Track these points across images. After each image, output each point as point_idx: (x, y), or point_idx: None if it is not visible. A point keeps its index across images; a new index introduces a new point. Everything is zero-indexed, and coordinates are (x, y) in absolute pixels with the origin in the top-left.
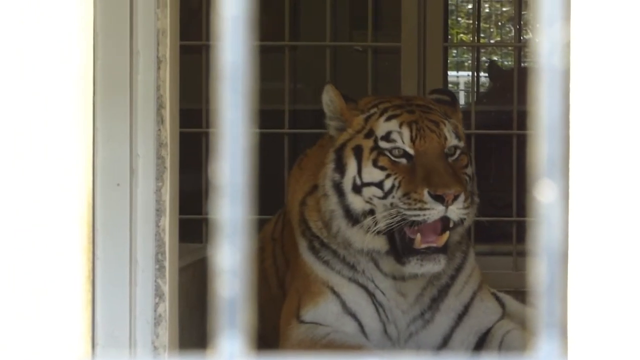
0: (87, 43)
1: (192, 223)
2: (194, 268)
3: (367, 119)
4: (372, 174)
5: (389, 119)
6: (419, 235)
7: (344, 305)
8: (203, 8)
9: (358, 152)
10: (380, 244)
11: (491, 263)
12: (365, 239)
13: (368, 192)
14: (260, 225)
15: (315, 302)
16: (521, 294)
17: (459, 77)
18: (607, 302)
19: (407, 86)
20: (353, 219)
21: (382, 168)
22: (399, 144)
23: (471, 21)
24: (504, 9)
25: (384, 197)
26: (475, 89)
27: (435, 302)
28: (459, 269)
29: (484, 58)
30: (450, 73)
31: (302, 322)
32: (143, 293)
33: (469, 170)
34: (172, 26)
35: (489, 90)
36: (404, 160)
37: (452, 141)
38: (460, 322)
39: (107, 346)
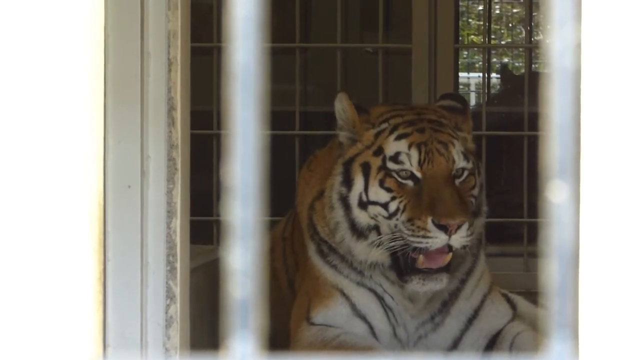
0: (98, 45)
1: (203, 225)
2: (205, 269)
3: (377, 135)
4: (378, 194)
5: (398, 138)
6: (421, 256)
7: (353, 307)
8: (214, 10)
9: (366, 170)
10: (383, 258)
11: (502, 264)
12: (369, 254)
13: (373, 210)
14: (271, 227)
15: (325, 305)
16: (532, 294)
17: (470, 78)
18: (618, 303)
19: (418, 87)
20: (358, 232)
21: (388, 190)
22: (407, 166)
23: (482, 22)
24: (515, 10)
25: (389, 217)
26: (486, 90)
27: (446, 305)
28: (469, 273)
29: (494, 59)
30: (461, 74)
31: (313, 324)
32: (154, 294)
33: (476, 191)
34: (183, 28)
35: (501, 93)
36: (410, 183)
37: (460, 163)
38: (471, 325)
39: (118, 348)
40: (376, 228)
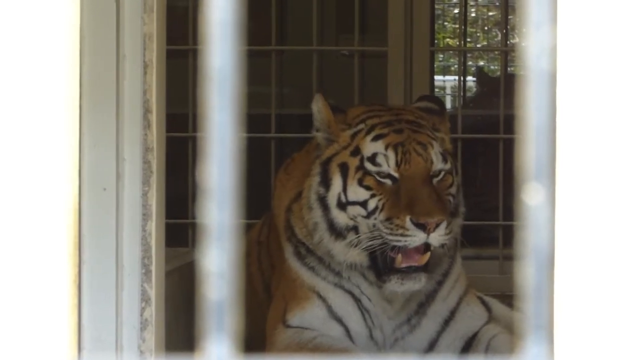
0: (74, 47)
1: (179, 227)
2: (180, 272)
3: (353, 136)
4: (357, 193)
5: (375, 138)
6: (400, 255)
7: (330, 310)
8: (190, 12)
9: (344, 170)
10: (361, 259)
11: (477, 267)
12: (348, 254)
13: (353, 210)
14: (247, 230)
15: (301, 307)
16: (507, 297)
17: (446, 81)
18: (593, 305)
19: (394, 90)
20: (336, 232)
21: (367, 188)
22: (384, 168)
23: (458, 26)
24: (491, 13)
25: (368, 216)
26: (462, 93)
27: (422, 307)
28: (446, 274)
29: (470, 62)
30: (436, 77)
31: (289, 326)
32: (129, 297)
33: (453, 189)
34: (159, 31)
35: (476, 96)
36: (389, 181)
37: (438, 165)
38: (447, 326)
39: (93, 350)
40: (355, 228)
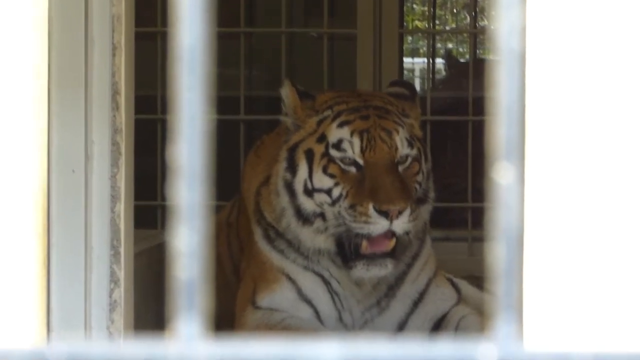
0: (42, 29)
1: (147, 209)
2: (149, 254)
3: (320, 122)
4: (321, 180)
5: (341, 125)
6: (365, 241)
7: (299, 292)
8: None
9: (309, 156)
10: (329, 245)
11: (446, 248)
12: (315, 240)
13: (319, 197)
14: (216, 211)
15: (271, 289)
16: (476, 279)
17: (415, 63)
18: (562, 284)
19: (363, 72)
20: (304, 218)
21: (331, 176)
22: (349, 154)
23: (426, 8)
24: None
25: (332, 204)
26: (431, 76)
27: (392, 289)
28: (415, 257)
29: (439, 45)
30: (405, 60)
31: (258, 307)
32: (98, 279)
33: (420, 177)
34: (127, 12)
35: (445, 79)
36: (353, 169)
37: (404, 150)
38: (416, 308)
39: (62, 332)
40: (322, 215)
